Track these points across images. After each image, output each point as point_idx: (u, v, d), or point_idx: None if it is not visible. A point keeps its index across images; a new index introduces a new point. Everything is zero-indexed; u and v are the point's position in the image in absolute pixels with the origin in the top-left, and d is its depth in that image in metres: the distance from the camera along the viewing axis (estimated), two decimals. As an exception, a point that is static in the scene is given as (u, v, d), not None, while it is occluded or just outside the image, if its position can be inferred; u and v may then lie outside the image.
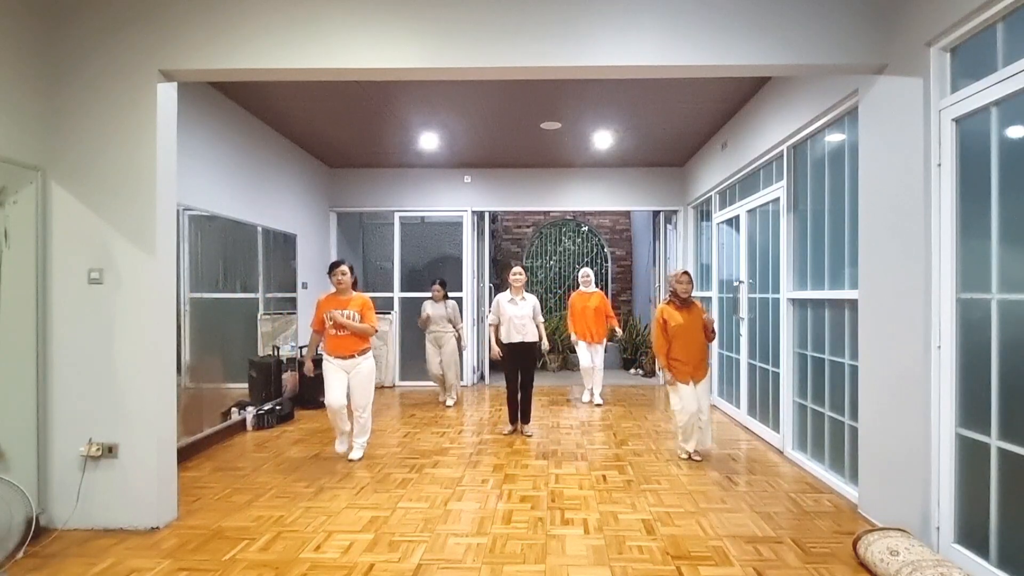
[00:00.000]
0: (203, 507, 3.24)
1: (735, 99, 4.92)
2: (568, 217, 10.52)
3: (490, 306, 4.97)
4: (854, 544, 2.58)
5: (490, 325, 4.88)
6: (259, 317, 5.44)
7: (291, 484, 3.60)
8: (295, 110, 5.23)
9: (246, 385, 5.14)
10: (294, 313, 6.13)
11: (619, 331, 6.28)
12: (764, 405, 4.75)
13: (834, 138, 3.64)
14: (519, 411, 4.82)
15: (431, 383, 6.65)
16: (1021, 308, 2.15)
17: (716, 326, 4.34)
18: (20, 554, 2.61)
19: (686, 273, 4.01)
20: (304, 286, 6.37)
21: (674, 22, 2.93)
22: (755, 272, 4.93)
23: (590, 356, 6.05)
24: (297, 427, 5.12)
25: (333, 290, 4.10)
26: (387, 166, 7.31)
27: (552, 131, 5.83)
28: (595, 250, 10.63)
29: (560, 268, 10.54)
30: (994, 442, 2.26)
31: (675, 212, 7.36)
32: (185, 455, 4.04)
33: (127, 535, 2.89)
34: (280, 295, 5.86)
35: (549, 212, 10.31)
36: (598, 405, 6.05)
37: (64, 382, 2.97)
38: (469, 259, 7.39)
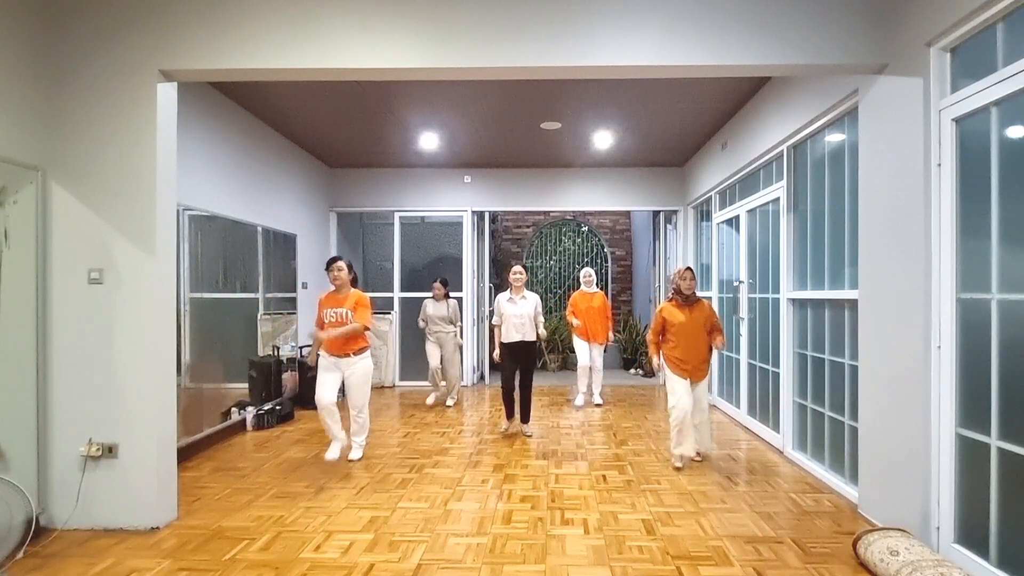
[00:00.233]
0: (203, 507, 3.24)
1: (735, 99, 4.92)
2: (568, 217, 10.52)
3: (491, 306, 4.92)
4: (854, 544, 2.58)
5: (494, 325, 4.81)
6: (259, 317, 5.44)
7: (291, 484, 3.60)
8: (295, 110, 5.23)
9: (246, 385, 5.14)
10: (294, 313, 6.13)
11: (611, 337, 6.11)
12: (764, 405, 4.75)
13: (834, 138, 3.64)
14: (520, 411, 4.77)
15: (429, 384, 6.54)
16: (1021, 308, 2.15)
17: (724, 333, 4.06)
18: (20, 554, 2.61)
19: (689, 269, 3.86)
20: (304, 286, 6.37)
21: (674, 22, 2.93)
22: (755, 272, 4.93)
23: (589, 356, 5.98)
24: (297, 427, 5.12)
25: (331, 289, 4.03)
26: (387, 166, 7.31)
27: (552, 131, 5.83)
28: (595, 250, 10.63)
29: (560, 268, 10.54)
30: (994, 442, 2.26)
31: (675, 212, 7.36)
32: (185, 455, 4.04)
33: (127, 535, 2.89)
34: (280, 295, 5.86)
35: (549, 212, 10.31)
36: (598, 405, 6.02)
37: (64, 382, 2.97)
38: (469, 259, 7.39)
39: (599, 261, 10.58)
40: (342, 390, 4.00)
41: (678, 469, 3.85)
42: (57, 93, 2.97)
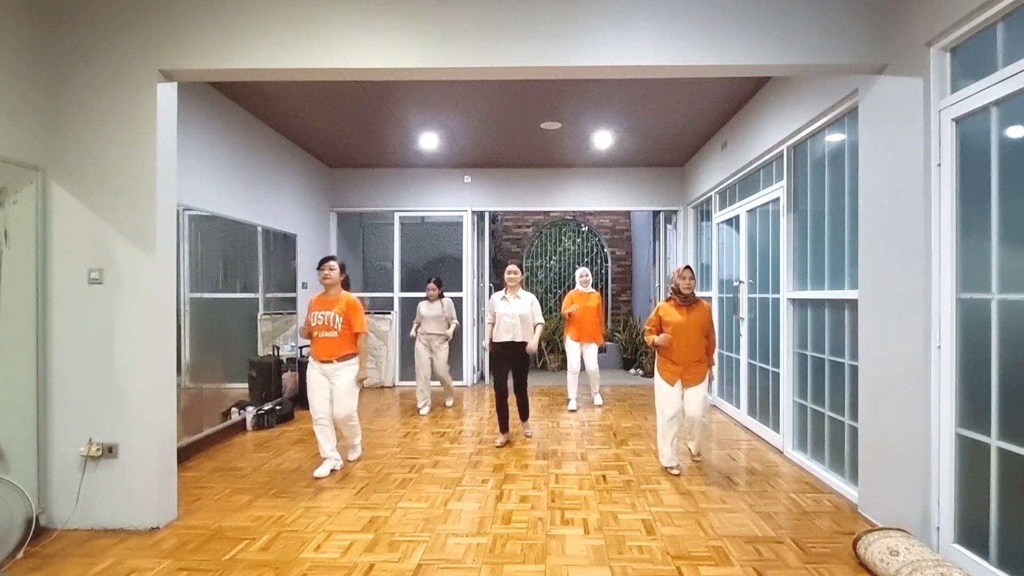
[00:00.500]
0: (203, 507, 3.24)
1: (735, 99, 4.92)
2: (568, 217, 10.52)
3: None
4: (854, 544, 2.58)
5: (488, 324, 4.63)
6: (259, 317, 5.44)
7: (291, 484, 3.60)
8: (295, 110, 5.23)
9: (246, 385, 5.14)
10: (294, 313, 6.13)
11: (599, 343, 6.00)
12: (764, 405, 4.75)
13: (834, 138, 3.64)
14: (518, 411, 4.65)
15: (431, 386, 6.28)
16: (1021, 308, 2.15)
17: (715, 332, 3.94)
18: (20, 554, 2.61)
19: (688, 268, 3.72)
20: (304, 286, 6.37)
21: (674, 22, 2.93)
22: (755, 272, 4.93)
23: (579, 358, 5.86)
24: (297, 427, 5.12)
25: (323, 289, 3.87)
26: (387, 166, 7.31)
27: (552, 131, 5.83)
28: (595, 250, 10.63)
29: (560, 268, 10.54)
30: (994, 442, 2.26)
31: (675, 212, 7.36)
32: (185, 455, 4.04)
33: (127, 535, 2.89)
34: (280, 295, 5.86)
35: (549, 212, 10.32)
36: (598, 405, 5.99)
37: (64, 382, 2.97)
38: (469, 259, 7.39)
39: (599, 261, 10.58)
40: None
41: (677, 475, 3.74)
42: (57, 93, 2.97)
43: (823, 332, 3.72)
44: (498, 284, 8.73)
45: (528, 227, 10.54)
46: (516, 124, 5.63)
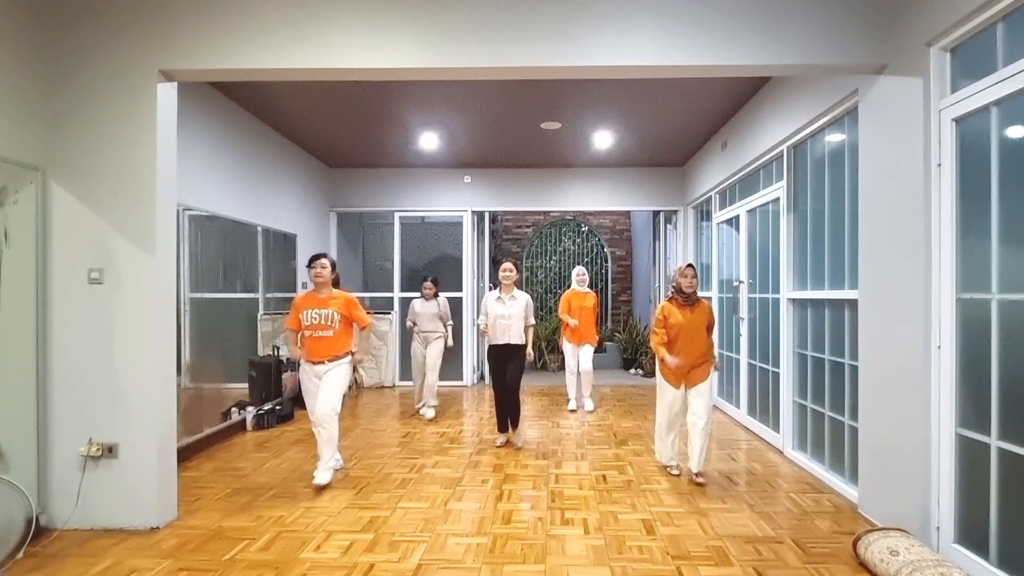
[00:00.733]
0: (203, 507, 3.24)
1: (735, 99, 4.92)
2: (568, 217, 10.52)
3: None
4: (854, 544, 2.58)
5: (479, 326, 4.39)
6: (259, 317, 5.44)
7: (291, 484, 3.60)
8: (295, 110, 5.23)
9: (246, 385, 5.14)
10: (294, 313, 6.12)
11: (594, 344, 5.85)
12: (764, 405, 4.75)
13: (834, 138, 3.64)
14: (509, 419, 4.44)
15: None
16: (1021, 308, 2.15)
17: (715, 330, 3.80)
18: (20, 554, 2.61)
19: (690, 266, 3.59)
20: (304, 286, 6.36)
21: (674, 22, 2.93)
22: (755, 272, 4.93)
23: (577, 359, 5.73)
24: (297, 427, 5.12)
25: (311, 288, 3.72)
26: (387, 166, 7.31)
27: (552, 131, 5.83)
28: (595, 250, 10.63)
29: (560, 268, 10.54)
30: (994, 442, 2.26)
31: (675, 212, 7.36)
32: (185, 455, 4.04)
33: (127, 535, 2.89)
34: (280, 295, 5.86)
35: (549, 212, 10.32)
36: (589, 412, 5.70)
37: (64, 382, 2.97)
38: (469, 259, 7.39)
39: (599, 261, 10.58)
40: None
41: (676, 475, 3.70)
42: (57, 93, 2.97)
43: (823, 332, 3.72)
44: (498, 284, 8.72)
45: (528, 227, 10.54)
46: (516, 124, 5.63)
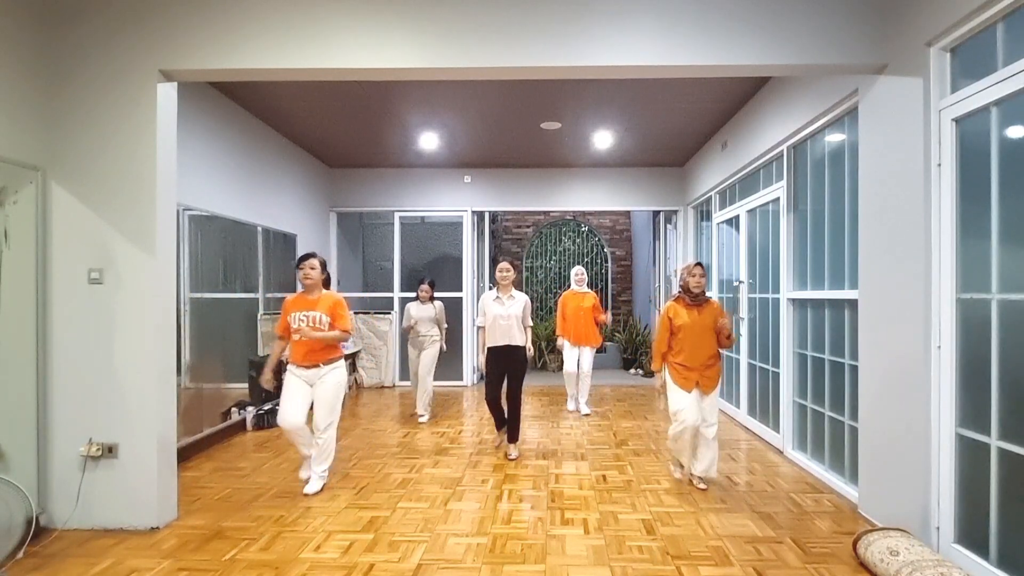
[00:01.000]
0: (203, 507, 3.24)
1: (735, 99, 4.92)
2: (568, 217, 10.52)
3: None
4: (854, 544, 2.58)
5: (478, 327, 4.23)
6: (259, 317, 5.44)
7: (291, 484, 3.60)
8: (295, 110, 5.23)
9: (246, 385, 5.14)
10: (294, 313, 6.12)
11: (607, 318, 5.67)
12: (764, 405, 4.75)
13: (834, 138, 3.64)
14: (506, 426, 4.28)
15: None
16: (1021, 308, 2.15)
17: (733, 331, 3.60)
18: (20, 554, 2.61)
19: (699, 265, 3.44)
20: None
21: (674, 22, 2.93)
22: (755, 272, 4.93)
23: (576, 360, 5.60)
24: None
25: (301, 289, 3.55)
26: (387, 166, 7.31)
27: (552, 131, 5.83)
28: (595, 250, 10.63)
29: (560, 268, 10.54)
30: (994, 442, 2.26)
31: (675, 212, 7.36)
32: (185, 455, 4.04)
33: (127, 535, 2.88)
34: (280, 295, 5.85)
35: (549, 212, 10.32)
36: (585, 415, 5.57)
37: (64, 382, 2.97)
38: (469, 259, 7.39)
39: (599, 261, 10.59)
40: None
41: (703, 488, 3.47)
42: (57, 93, 2.97)
43: (823, 332, 3.72)
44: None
45: (528, 227, 10.55)
46: (516, 124, 5.63)
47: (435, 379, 5.59)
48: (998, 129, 2.26)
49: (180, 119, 3.25)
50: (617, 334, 9.31)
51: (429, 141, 6.17)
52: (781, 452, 4.27)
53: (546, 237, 10.66)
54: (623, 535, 2.85)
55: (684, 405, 3.38)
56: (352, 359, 7.10)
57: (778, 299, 4.35)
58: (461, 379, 7.35)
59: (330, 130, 5.82)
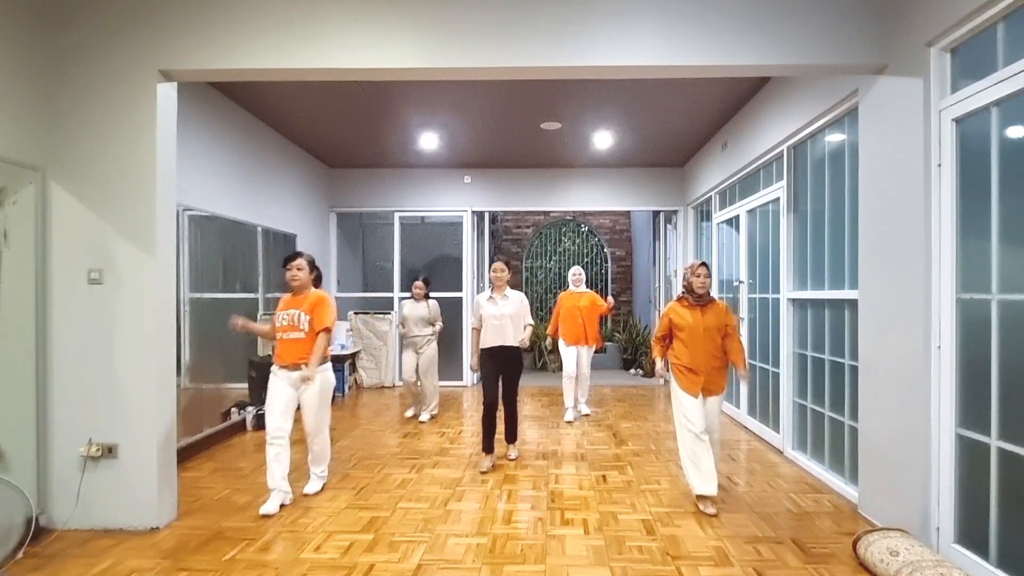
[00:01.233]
0: (203, 507, 3.24)
1: (735, 99, 4.92)
2: (568, 217, 10.53)
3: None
4: (854, 544, 2.58)
5: (472, 329, 4.14)
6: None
7: (291, 484, 3.59)
8: (295, 110, 5.23)
9: (246, 385, 5.14)
10: (294, 313, 6.12)
11: (610, 302, 5.45)
12: (764, 405, 4.75)
13: (834, 138, 3.64)
14: (505, 428, 4.15)
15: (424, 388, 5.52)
16: (1021, 308, 2.15)
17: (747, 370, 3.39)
18: (20, 554, 2.61)
19: (704, 264, 3.27)
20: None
21: (674, 22, 2.93)
22: (755, 272, 4.93)
23: (575, 362, 5.38)
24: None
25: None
26: (387, 166, 7.31)
27: (552, 131, 5.83)
28: (595, 250, 10.63)
29: (560, 268, 10.54)
30: (994, 442, 2.26)
31: (675, 212, 7.36)
32: (185, 455, 4.04)
33: (127, 535, 2.88)
34: (280, 295, 5.82)
35: (549, 212, 10.32)
36: (586, 415, 5.51)
37: (64, 382, 2.96)
38: (469, 259, 7.39)
39: (599, 261, 10.59)
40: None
41: (712, 513, 3.10)
42: (57, 93, 2.96)
43: (823, 332, 3.72)
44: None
45: (528, 227, 10.55)
46: (516, 124, 5.63)
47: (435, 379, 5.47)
48: (998, 129, 2.26)
49: (180, 119, 3.25)
50: (617, 334, 9.31)
51: (429, 141, 6.17)
52: (781, 452, 4.27)
53: (546, 237, 10.66)
54: (623, 535, 2.85)
55: (691, 410, 3.22)
56: (352, 359, 7.10)
57: (778, 299, 4.35)
58: (461, 379, 7.35)
59: (330, 130, 5.82)
